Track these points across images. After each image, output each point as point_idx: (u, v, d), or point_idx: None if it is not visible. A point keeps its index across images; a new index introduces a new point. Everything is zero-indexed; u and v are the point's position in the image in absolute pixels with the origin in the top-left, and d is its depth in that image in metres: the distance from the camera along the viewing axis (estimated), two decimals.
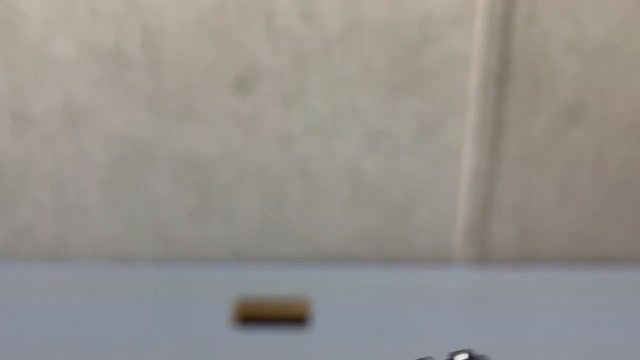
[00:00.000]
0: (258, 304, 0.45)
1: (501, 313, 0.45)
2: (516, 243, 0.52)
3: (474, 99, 0.48)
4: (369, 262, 0.53)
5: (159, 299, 0.46)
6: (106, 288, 0.48)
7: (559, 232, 0.52)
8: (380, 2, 0.46)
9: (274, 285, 0.47)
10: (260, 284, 0.47)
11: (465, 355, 0.14)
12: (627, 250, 0.53)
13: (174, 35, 0.46)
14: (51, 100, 0.48)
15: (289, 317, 0.44)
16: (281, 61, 0.47)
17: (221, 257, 0.52)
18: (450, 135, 0.49)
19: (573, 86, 0.48)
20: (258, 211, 0.51)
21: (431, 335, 0.43)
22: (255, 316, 0.44)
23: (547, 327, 0.43)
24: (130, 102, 0.48)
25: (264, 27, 0.46)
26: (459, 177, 0.50)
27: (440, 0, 0.45)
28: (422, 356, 0.17)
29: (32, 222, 0.51)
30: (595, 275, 0.50)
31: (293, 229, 0.51)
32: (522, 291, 0.48)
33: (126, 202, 0.50)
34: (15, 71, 0.47)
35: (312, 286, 0.47)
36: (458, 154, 0.49)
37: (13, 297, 0.47)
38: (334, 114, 0.48)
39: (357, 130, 0.49)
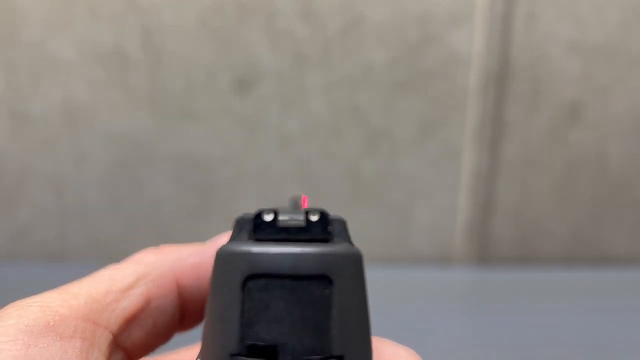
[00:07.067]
0: None
1: (501, 312, 0.45)
2: (516, 242, 0.52)
3: (474, 99, 0.48)
4: (369, 261, 0.53)
5: None
6: None
7: (558, 231, 0.52)
8: (380, 2, 0.45)
9: None
10: None
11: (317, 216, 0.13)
12: (627, 250, 0.53)
13: (173, 35, 0.46)
14: (51, 100, 0.48)
15: None
16: (281, 61, 0.47)
17: None
18: (450, 136, 0.49)
19: (573, 86, 0.48)
20: None
21: (431, 335, 0.43)
22: None
23: (547, 325, 0.43)
24: (129, 102, 0.48)
25: (263, 27, 0.46)
26: (459, 177, 0.50)
27: (440, 0, 0.45)
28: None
29: (32, 222, 0.51)
30: (595, 274, 0.50)
31: None
32: (522, 290, 0.48)
33: (126, 202, 0.50)
34: (14, 71, 0.47)
35: None
36: (458, 154, 0.49)
37: (13, 297, 0.47)
38: (333, 114, 0.48)
39: (357, 131, 0.48)
